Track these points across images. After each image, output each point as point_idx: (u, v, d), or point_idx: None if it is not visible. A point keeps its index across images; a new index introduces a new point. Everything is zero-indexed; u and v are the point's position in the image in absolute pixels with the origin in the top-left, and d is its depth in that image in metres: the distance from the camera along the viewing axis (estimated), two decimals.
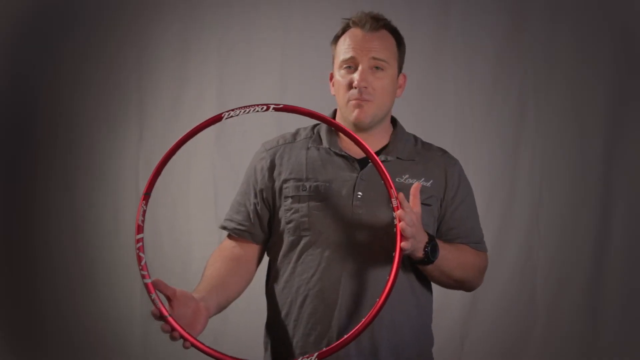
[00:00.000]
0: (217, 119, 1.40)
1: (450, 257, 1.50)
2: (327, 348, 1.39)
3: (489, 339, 2.68)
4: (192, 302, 1.42)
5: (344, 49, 1.55)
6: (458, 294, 2.61)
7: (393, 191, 1.37)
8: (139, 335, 2.70)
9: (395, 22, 1.60)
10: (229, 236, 1.64)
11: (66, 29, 2.68)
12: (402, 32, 1.64)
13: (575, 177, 2.67)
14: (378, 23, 1.56)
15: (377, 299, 1.38)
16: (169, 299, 1.38)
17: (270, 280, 1.61)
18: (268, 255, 1.64)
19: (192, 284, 2.76)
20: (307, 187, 1.54)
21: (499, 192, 2.69)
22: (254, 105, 1.37)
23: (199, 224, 2.71)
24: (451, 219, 1.59)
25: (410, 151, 1.60)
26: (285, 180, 1.57)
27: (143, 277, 1.32)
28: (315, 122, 1.64)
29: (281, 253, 1.57)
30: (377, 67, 1.54)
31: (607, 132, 2.64)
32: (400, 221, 1.36)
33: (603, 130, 2.65)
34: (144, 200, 1.33)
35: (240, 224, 1.61)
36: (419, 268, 1.53)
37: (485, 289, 2.63)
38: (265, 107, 1.36)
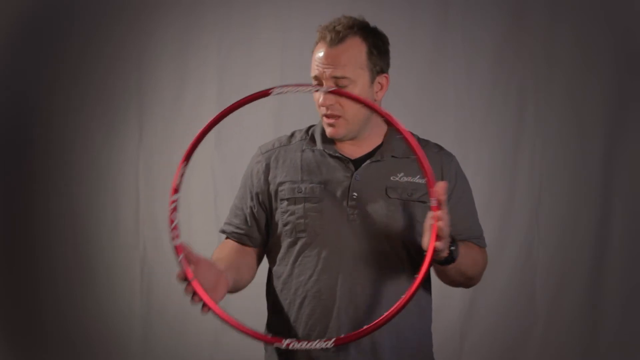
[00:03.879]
0: (265, 93, 1.38)
1: (464, 254, 1.49)
2: (345, 336, 1.39)
3: (488, 339, 2.68)
4: (215, 271, 1.44)
5: (313, 65, 1.54)
6: (457, 294, 2.63)
7: (433, 191, 1.34)
8: (139, 335, 2.70)
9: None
10: (228, 239, 1.65)
11: (66, 29, 2.68)
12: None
13: (575, 177, 2.67)
14: (338, 35, 1.51)
15: (397, 297, 1.36)
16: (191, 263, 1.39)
17: (270, 282, 1.62)
18: (267, 258, 1.65)
19: None
20: (303, 189, 1.55)
21: (499, 192, 2.69)
22: (306, 85, 1.37)
23: (199, 224, 2.71)
24: (450, 215, 1.58)
25: (404, 149, 1.59)
26: (281, 183, 1.57)
27: (173, 238, 1.35)
28: (310, 124, 1.65)
29: (279, 255, 1.58)
30: (340, 85, 1.50)
31: (607, 132, 2.64)
32: (439, 220, 1.33)
33: (603, 130, 2.65)
34: (184, 161, 1.35)
35: (238, 228, 1.62)
36: (416, 269, 1.53)
37: (485, 289, 2.64)
38: (317, 89, 1.36)
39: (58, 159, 2.70)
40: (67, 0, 2.68)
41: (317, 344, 1.36)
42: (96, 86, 2.70)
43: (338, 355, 1.50)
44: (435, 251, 1.35)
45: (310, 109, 1.67)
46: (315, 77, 1.53)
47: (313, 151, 1.59)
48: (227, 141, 2.71)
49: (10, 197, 2.67)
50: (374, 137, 1.60)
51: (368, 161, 1.56)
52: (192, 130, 2.92)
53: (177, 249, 1.35)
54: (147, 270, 2.71)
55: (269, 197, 1.59)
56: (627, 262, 2.62)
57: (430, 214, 1.35)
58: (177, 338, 2.70)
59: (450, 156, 1.63)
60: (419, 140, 1.64)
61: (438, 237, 1.34)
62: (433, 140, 1.67)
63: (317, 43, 1.55)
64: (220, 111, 1.40)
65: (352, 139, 1.56)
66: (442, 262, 1.46)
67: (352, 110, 1.52)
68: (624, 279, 2.62)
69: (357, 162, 1.56)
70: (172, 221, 1.35)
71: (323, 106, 1.52)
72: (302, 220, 1.53)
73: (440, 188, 1.34)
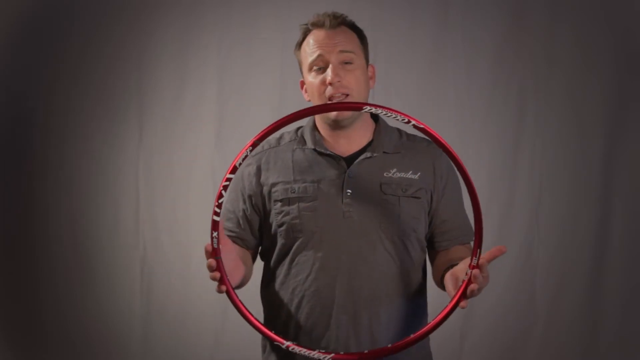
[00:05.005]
0: (357, 107, 1.41)
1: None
2: (344, 354, 1.43)
3: (489, 339, 2.68)
4: (234, 257, 1.46)
5: (309, 51, 1.55)
6: None
7: (479, 251, 1.36)
8: (139, 335, 2.70)
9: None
10: None
11: (66, 29, 2.68)
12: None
13: (575, 177, 2.67)
14: (337, 20, 1.57)
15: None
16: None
17: (265, 283, 1.62)
18: (261, 259, 1.65)
19: (192, 284, 2.77)
20: (296, 188, 1.55)
21: (499, 192, 2.69)
22: (398, 112, 1.36)
23: (199, 224, 2.71)
24: (445, 211, 1.59)
25: (395, 144, 1.60)
26: (274, 184, 1.57)
27: (215, 213, 1.38)
28: (298, 124, 1.64)
29: (274, 256, 1.58)
30: (346, 62, 1.54)
31: (607, 132, 2.64)
32: (472, 282, 1.35)
33: (603, 130, 2.65)
34: (251, 146, 1.38)
35: (231, 231, 1.61)
36: (412, 265, 1.56)
37: (485, 289, 2.63)
38: (407, 120, 1.35)
39: (58, 159, 2.70)
40: (67, 0, 2.68)
41: (315, 355, 1.40)
42: (96, 86, 2.70)
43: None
44: (456, 307, 1.38)
45: None
46: (318, 57, 1.53)
47: (304, 151, 1.59)
48: (227, 141, 2.71)
49: (10, 197, 2.67)
50: (364, 133, 1.60)
51: (361, 157, 1.56)
52: (192, 130, 2.94)
53: (214, 224, 1.38)
54: (147, 270, 2.71)
55: (263, 199, 1.59)
56: (627, 262, 2.62)
57: (465, 267, 1.38)
58: (177, 338, 2.70)
59: (440, 150, 1.63)
60: (407, 136, 1.64)
61: (464, 296, 1.37)
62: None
63: (306, 34, 1.58)
64: (287, 115, 1.39)
65: (351, 123, 1.56)
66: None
67: (359, 87, 1.54)
68: (624, 279, 2.62)
69: (349, 160, 1.56)
70: (219, 196, 1.38)
71: (332, 83, 1.51)
72: (297, 221, 1.53)
73: (498, 251, 1.37)
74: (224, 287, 1.39)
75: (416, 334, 1.43)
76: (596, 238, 2.65)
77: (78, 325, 2.69)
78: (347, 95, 1.52)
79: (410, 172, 1.56)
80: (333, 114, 1.53)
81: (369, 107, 1.36)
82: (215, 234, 1.37)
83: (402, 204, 1.53)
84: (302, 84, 1.61)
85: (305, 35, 1.59)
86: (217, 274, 1.37)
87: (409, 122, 1.35)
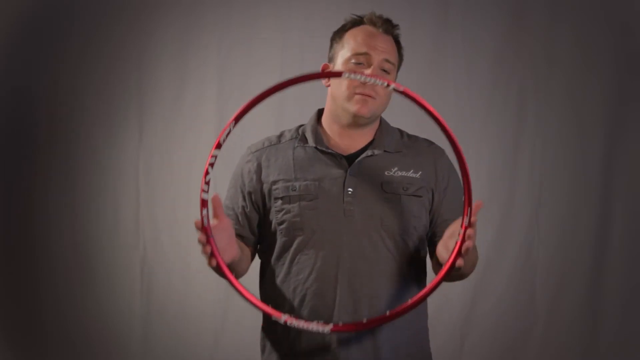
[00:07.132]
0: (337, 74, 1.44)
1: (467, 258, 1.50)
2: (343, 325, 1.43)
3: (489, 339, 2.68)
4: (229, 234, 1.44)
5: (357, 42, 1.55)
6: (457, 294, 2.62)
7: (469, 209, 1.36)
8: (139, 335, 2.70)
9: (395, 22, 1.59)
10: None
11: (66, 28, 2.68)
12: (402, 32, 1.64)
13: (575, 177, 2.67)
14: (392, 28, 1.59)
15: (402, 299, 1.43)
16: (214, 217, 1.40)
17: (265, 282, 1.61)
18: (260, 257, 1.64)
19: (192, 284, 2.77)
20: (297, 186, 1.55)
21: (499, 192, 2.69)
22: (377, 77, 1.40)
23: None
24: (447, 211, 1.59)
25: (396, 144, 1.61)
26: (274, 182, 1.57)
27: (203, 190, 1.38)
28: (299, 123, 1.65)
29: (274, 255, 1.58)
30: (383, 70, 1.55)
31: (607, 132, 2.64)
32: (467, 240, 1.35)
33: (603, 130, 2.65)
34: (234, 120, 1.39)
35: None
36: (413, 264, 1.56)
37: (485, 289, 2.64)
38: (386, 84, 1.37)
39: (58, 159, 2.69)
40: (67, 0, 2.68)
41: (314, 326, 1.39)
42: (96, 86, 2.70)
43: (339, 352, 1.50)
44: (454, 268, 1.37)
45: (311, 110, 1.67)
46: (365, 54, 1.53)
47: (305, 149, 1.59)
48: (227, 141, 2.70)
49: (10, 197, 2.67)
50: (367, 133, 1.60)
51: (362, 155, 1.56)
52: (192, 130, 2.94)
53: (203, 203, 1.37)
54: (147, 270, 2.71)
55: (263, 197, 1.59)
56: (627, 262, 2.62)
57: (454, 229, 1.38)
58: (177, 338, 2.70)
59: (441, 150, 1.64)
60: (409, 136, 1.65)
61: (460, 255, 1.35)
62: (433, 140, 1.68)
63: (356, 24, 1.58)
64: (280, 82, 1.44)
65: (364, 126, 1.57)
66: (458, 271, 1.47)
67: (386, 97, 1.55)
68: (624, 279, 2.62)
69: (350, 158, 1.57)
70: (207, 173, 1.37)
71: (366, 83, 1.51)
72: (297, 219, 1.53)
73: (477, 207, 1.36)
74: (214, 261, 1.38)
75: (414, 298, 1.42)
76: (596, 238, 2.65)
77: (78, 325, 2.69)
78: (374, 99, 1.53)
79: (412, 171, 1.57)
80: (354, 108, 1.53)
81: (347, 74, 1.38)
82: (205, 211, 1.36)
83: (404, 202, 1.54)
84: (325, 67, 1.61)
85: (355, 25, 1.58)
86: (208, 248, 1.36)
87: (388, 86, 1.37)
